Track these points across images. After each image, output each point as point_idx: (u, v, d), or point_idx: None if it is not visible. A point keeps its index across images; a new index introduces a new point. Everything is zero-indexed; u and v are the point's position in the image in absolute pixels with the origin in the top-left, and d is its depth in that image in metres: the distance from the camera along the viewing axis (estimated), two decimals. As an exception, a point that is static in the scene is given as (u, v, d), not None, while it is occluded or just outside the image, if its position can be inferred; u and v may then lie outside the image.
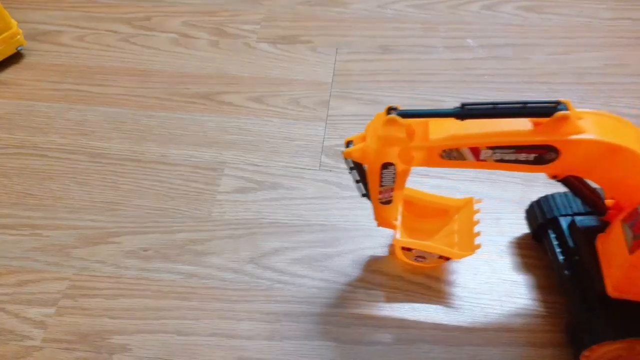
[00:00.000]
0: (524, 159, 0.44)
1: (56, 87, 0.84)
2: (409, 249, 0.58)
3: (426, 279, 0.61)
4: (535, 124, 0.43)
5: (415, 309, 0.59)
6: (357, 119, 0.78)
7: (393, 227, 0.58)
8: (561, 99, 0.42)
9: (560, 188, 0.53)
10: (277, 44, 0.89)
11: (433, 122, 0.46)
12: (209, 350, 0.56)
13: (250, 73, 0.85)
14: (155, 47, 0.89)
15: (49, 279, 0.62)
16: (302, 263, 0.63)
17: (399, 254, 0.60)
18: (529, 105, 0.42)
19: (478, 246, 0.57)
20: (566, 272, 0.54)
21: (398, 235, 0.57)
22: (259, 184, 0.71)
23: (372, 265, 0.62)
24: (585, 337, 0.50)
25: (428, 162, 0.47)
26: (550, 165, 0.44)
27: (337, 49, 0.88)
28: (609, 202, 0.52)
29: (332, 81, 0.83)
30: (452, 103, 0.80)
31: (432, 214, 0.62)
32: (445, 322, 0.58)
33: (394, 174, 0.49)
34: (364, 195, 0.55)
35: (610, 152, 0.42)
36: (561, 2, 0.95)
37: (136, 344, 0.57)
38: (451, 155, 0.45)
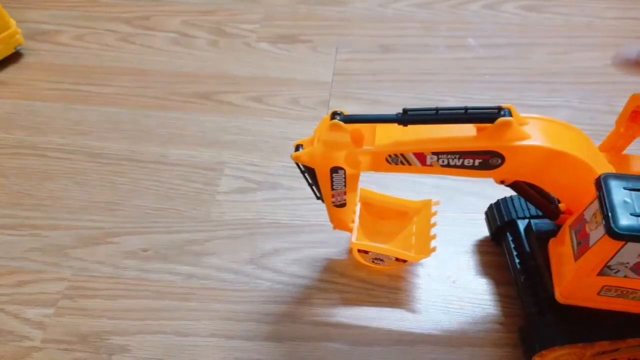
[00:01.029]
0: (469, 164, 0.44)
1: (55, 87, 0.83)
2: (365, 252, 0.58)
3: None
4: (479, 130, 0.43)
5: (416, 309, 0.59)
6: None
7: (349, 229, 0.58)
8: (505, 104, 0.42)
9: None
10: (276, 44, 0.89)
11: (380, 127, 0.46)
12: (208, 350, 0.56)
13: (249, 73, 0.85)
14: (154, 47, 0.89)
15: (48, 280, 0.62)
16: (301, 263, 0.63)
17: (357, 256, 0.60)
18: (470, 111, 0.42)
19: (433, 249, 0.56)
20: (521, 275, 0.54)
21: (354, 238, 0.57)
22: (258, 184, 0.71)
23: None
24: (536, 342, 0.50)
25: (375, 167, 0.47)
26: (496, 170, 0.44)
27: (337, 48, 0.88)
28: (563, 206, 0.51)
29: (332, 81, 0.83)
30: (452, 102, 0.80)
31: (391, 216, 0.62)
32: (447, 323, 0.58)
33: (343, 177, 0.49)
34: (318, 198, 0.54)
35: (554, 158, 0.42)
36: (562, 1, 0.95)
37: (135, 345, 0.57)
38: (397, 160, 0.45)
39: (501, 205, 0.60)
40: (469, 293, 0.60)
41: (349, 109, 0.79)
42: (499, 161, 0.43)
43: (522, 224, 0.56)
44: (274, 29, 0.91)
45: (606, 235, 0.38)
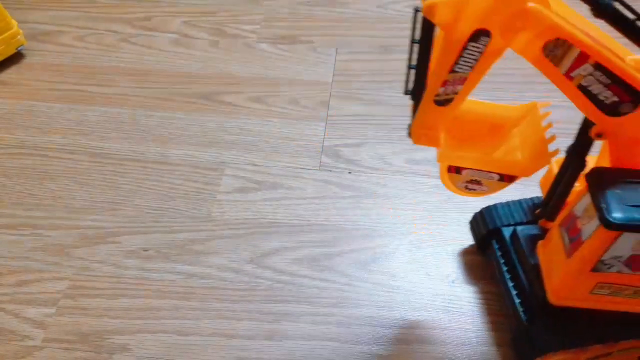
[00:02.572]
0: (603, 98, 0.38)
1: (56, 87, 0.84)
2: (458, 172, 0.45)
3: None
4: (636, 63, 0.37)
5: (416, 308, 0.59)
6: (357, 119, 0.78)
7: (437, 142, 0.43)
8: None
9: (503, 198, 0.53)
10: (277, 44, 0.89)
11: (555, 2, 0.36)
12: (208, 350, 0.56)
13: (250, 73, 0.85)
14: (155, 47, 0.89)
15: (49, 279, 0.62)
16: (302, 263, 0.63)
17: (445, 179, 0.46)
18: None
19: (553, 153, 0.44)
20: (509, 283, 0.54)
21: (444, 148, 0.44)
22: (259, 184, 0.71)
23: (372, 265, 0.62)
24: (528, 350, 0.50)
25: (526, 48, 0.36)
26: (614, 119, 0.38)
27: (337, 48, 0.88)
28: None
29: (332, 81, 0.83)
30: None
31: (480, 134, 0.47)
32: (447, 322, 0.58)
33: (480, 52, 0.36)
34: (409, 92, 0.41)
35: None
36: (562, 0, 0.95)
37: (136, 344, 0.57)
38: (555, 52, 0.36)
39: (485, 214, 0.59)
40: (469, 292, 0.60)
41: (349, 110, 0.79)
42: (629, 109, 0.37)
43: (507, 232, 0.56)
44: (274, 30, 0.92)
45: (601, 227, 0.39)
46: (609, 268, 0.42)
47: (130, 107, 0.81)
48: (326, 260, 0.63)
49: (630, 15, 0.35)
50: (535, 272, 0.49)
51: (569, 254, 0.44)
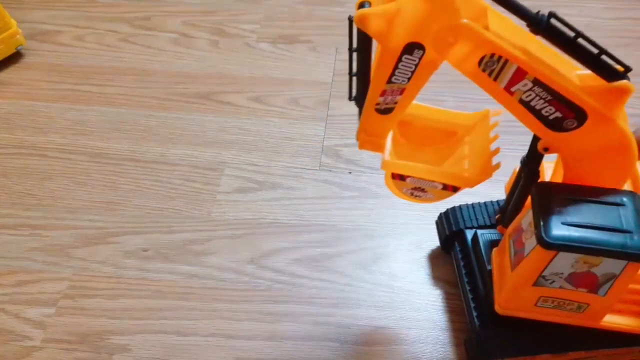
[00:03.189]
0: (546, 113, 0.37)
1: (56, 87, 0.83)
2: (402, 178, 0.45)
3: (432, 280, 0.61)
4: (582, 80, 0.36)
5: (416, 308, 0.59)
6: (357, 119, 0.78)
7: (381, 148, 0.44)
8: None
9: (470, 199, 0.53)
10: (277, 44, 0.89)
11: (493, 16, 0.36)
12: (208, 350, 0.56)
13: (250, 73, 0.85)
14: (155, 47, 0.89)
15: (48, 279, 0.62)
16: (301, 263, 0.63)
17: (390, 185, 0.47)
18: (604, 56, 0.35)
19: (496, 167, 0.44)
20: (466, 286, 0.54)
21: (387, 155, 0.44)
22: (258, 184, 0.71)
23: (372, 265, 0.62)
24: (477, 354, 0.50)
25: (461, 63, 0.36)
26: (559, 134, 0.38)
27: (337, 48, 0.88)
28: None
29: (332, 81, 0.83)
30: (452, 103, 0.80)
31: (435, 139, 0.48)
32: (447, 322, 0.58)
33: (415, 65, 0.36)
34: (353, 98, 0.42)
35: (624, 150, 0.38)
36: (561, 1, 0.95)
37: (136, 344, 0.57)
38: (492, 66, 0.36)
39: (450, 215, 0.58)
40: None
41: (349, 110, 0.79)
42: (574, 125, 0.37)
43: (469, 234, 0.55)
44: (274, 30, 0.92)
45: (538, 245, 0.38)
46: (550, 283, 0.41)
47: (130, 107, 0.80)
48: (326, 260, 0.63)
49: (568, 32, 0.35)
50: (490, 278, 0.49)
51: (513, 266, 0.43)
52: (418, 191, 0.46)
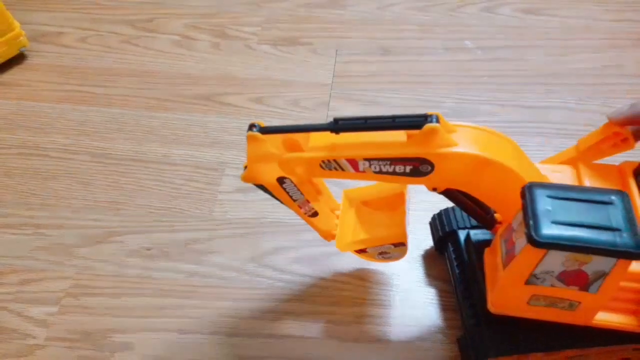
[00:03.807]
0: (400, 171, 0.43)
1: (59, 88, 0.84)
2: (363, 251, 0.56)
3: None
4: (409, 137, 0.42)
5: (415, 306, 0.60)
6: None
7: (333, 237, 0.55)
8: (432, 111, 0.42)
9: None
10: (277, 46, 0.90)
11: (313, 135, 0.46)
12: (210, 348, 0.57)
13: (251, 74, 0.86)
14: (157, 49, 0.90)
15: (51, 278, 0.62)
16: (302, 262, 0.63)
17: (363, 258, 0.57)
18: (397, 119, 0.41)
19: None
20: (460, 286, 0.54)
21: (336, 244, 0.54)
22: (260, 184, 0.71)
23: (372, 264, 0.63)
24: (471, 353, 0.50)
25: (311, 173, 0.46)
26: (427, 178, 0.43)
27: (337, 50, 0.89)
28: (499, 216, 0.50)
29: (332, 82, 0.84)
30: (451, 104, 0.81)
31: (392, 203, 0.56)
32: (447, 321, 0.58)
33: (294, 186, 0.48)
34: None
35: (481, 165, 0.41)
36: (559, 3, 0.96)
37: (138, 342, 0.57)
38: (331, 166, 0.45)
39: (443, 216, 0.59)
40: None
41: (349, 111, 0.80)
42: (429, 168, 0.42)
43: (462, 234, 0.56)
44: (275, 32, 0.92)
45: (528, 244, 0.38)
46: (542, 282, 0.41)
47: (132, 108, 0.81)
48: (326, 259, 0.64)
49: (358, 121, 0.42)
50: (482, 278, 0.49)
51: (505, 265, 0.44)
52: (384, 254, 0.56)
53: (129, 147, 0.76)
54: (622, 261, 0.38)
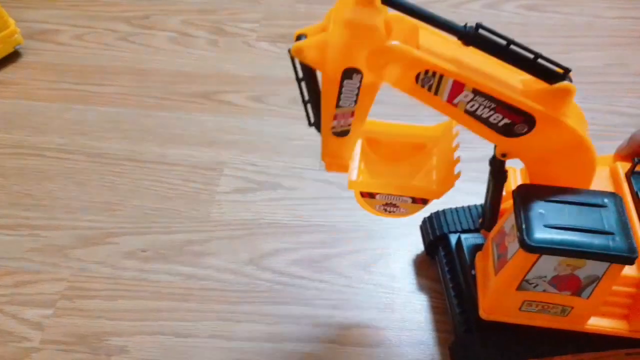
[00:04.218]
0: (494, 120, 0.38)
1: (54, 87, 0.83)
2: (371, 195, 0.46)
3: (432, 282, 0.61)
4: (526, 85, 0.37)
5: (417, 310, 0.59)
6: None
7: (346, 169, 0.46)
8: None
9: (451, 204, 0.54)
10: (276, 43, 0.89)
11: (424, 33, 0.38)
12: (207, 352, 0.56)
13: (249, 72, 0.84)
14: (154, 46, 0.89)
15: (46, 280, 0.62)
16: (301, 264, 0.62)
17: (360, 202, 0.48)
18: (541, 58, 0.36)
19: (457, 176, 0.44)
20: (451, 291, 0.53)
21: (354, 176, 0.45)
22: (258, 184, 0.70)
23: (372, 267, 0.62)
24: (461, 359, 0.50)
25: (399, 82, 0.38)
26: (512, 139, 0.38)
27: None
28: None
29: (332, 80, 0.83)
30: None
31: (406, 154, 0.49)
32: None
33: (357, 87, 0.38)
34: (311, 124, 0.43)
35: (576, 148, 0.38)
36: (562, 0, 0.95)
37: (134, 346, 0.56)
38: (429, 82, 0.37)
39: (434, 219, 0.58)
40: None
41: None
42: (525, 129, 0.37)
43: (453, 239, 0.55)
44: (273, 28, 0.91)
45: (521, 249, 0.38)
46: (534, 287, 0.41)
47: (129, 106, 0.80)
48: (326, 261, 0.63)
49: (499, 40, 0.36)
50: (474, 283, 0.48)
51: (497, 270, 0.43)
52: (390, 207, 0.47)
53: (125, 146, 0.75)
54: (615, 266, 0.38)
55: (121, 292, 0.61)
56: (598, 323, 0.44)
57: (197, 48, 0.88)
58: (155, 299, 0.60)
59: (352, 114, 0.40)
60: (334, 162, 0.45)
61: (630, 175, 0.46)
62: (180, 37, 0.90)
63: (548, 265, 0.39)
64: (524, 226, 0.38)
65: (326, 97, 0.39)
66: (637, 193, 0.44)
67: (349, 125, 0.41)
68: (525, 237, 0.37)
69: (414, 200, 0.46)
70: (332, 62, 0.36)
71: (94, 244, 0.65)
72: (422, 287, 0.60)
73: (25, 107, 0.80)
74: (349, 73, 0.37)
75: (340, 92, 0.38)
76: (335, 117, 0.40)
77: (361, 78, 0.37)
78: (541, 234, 0.37)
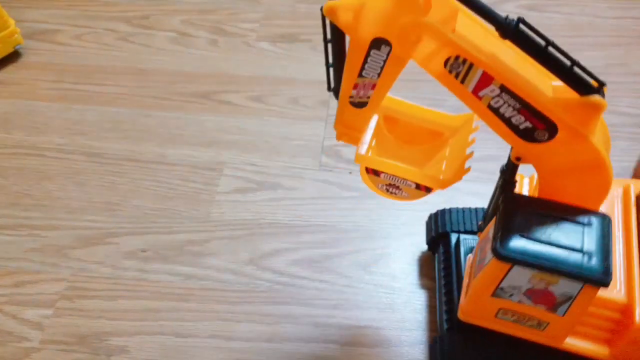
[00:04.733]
0: (516, 122, 0.37)
1: (54, 86, 0.83)
2: (377, 174, 0.45)
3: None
4: (556, 92, 0.36)
5: (417, 310, 0.59)
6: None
7: (357, 141, 0.45)
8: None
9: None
10: (276, 43, 0.89)
11: (463, 18, 0.36)
12: (207, 352, 0.56)
13: (249, 72, 0.84)
14: (154, 46, 0.89)
15: (46, 280, 0.62)
16: (301, 264, 0.62)
17: (364, 178, 0.46)
18: (577, 66, 0.34)
19: (466, 170, 0.43)
20: (442, 289, 0.53)
21: (363, 150, 0.44)
22: (258, 184, 0.70)
23: (372, 266, 0.62)
24: (437, 357, 0.50)
25: (427, 62, 0.37)
26: (530, 145, 0.37)
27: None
28: None
29: (332, 80, 0.83)
30: (454, 102, 0.79)
31: (422, 139, 0.48)
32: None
33: (384, 60, 0.37)
34: (331, 90, 0.42)
35: (594, 167, 0.37)
36: (563, 0, 0.95)
37: (134, 346, 0.56)
38: (458, 68, 0.36)
39: (439, 216, 0.58)
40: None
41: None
42: (545, 137, 0.36)
43: (454, 238, 0.55)
44: (273, 28, 0.91)
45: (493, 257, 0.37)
46: (510, 296, 0.40)
47: (128, 106, 0.80)
48: (326, 261, 0.63)
49: (538, 40, 0.35)
50: (460, 284, 0.48)
51: (475, 274, 0.43)
52: (393, 188, 0.46)
53: (125, 146, 0.75)
54: (588, 287, 0.37)
55: (121, 292, 0.60)
56: (577, 344, 0.43)
57: (197, 48, 0.88)
58: (155, 299, 0.60)
59: (374, 86, 0.39)
60: (345, 132, 0.44)
61: None
62: (180, 37, 0.90)
63: (522, 277, 0.38)
64: (499, 234, 0.37)
65: (350, 63, 0.38)
66: None
67: (368, 97, 0.40)
68: (498, 245, 0.37)
69: (418, 187, 0.45)
70: (364, 28, 0.35)
71: (94, 244, 0.65)
72: (422, 287, 0.60)
73: (25, 107, 0.80)
74: (378, 43, 0.36)
75: (365, 62, 0.37)
76: (355, 86, 0.39)
77: (389, 51, 0.36)
78: (515, 244, 0.37)
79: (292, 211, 0.67)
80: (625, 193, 0.45)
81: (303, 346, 0.56)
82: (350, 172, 0.71)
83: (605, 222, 0.38)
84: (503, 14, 0.36)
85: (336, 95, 0.42)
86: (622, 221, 0.43)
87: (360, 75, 0.38)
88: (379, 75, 0.38)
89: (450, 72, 0.36)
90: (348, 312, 0.59)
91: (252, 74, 0.84)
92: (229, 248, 0.64)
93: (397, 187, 0.46)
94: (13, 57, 0.86)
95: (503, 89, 0.36)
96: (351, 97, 0.40)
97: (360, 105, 0.41)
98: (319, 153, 0.73)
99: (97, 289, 0.61)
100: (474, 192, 0.67)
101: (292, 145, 0.74)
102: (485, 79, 0.36)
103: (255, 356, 0.56)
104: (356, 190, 0.69)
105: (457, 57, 0.35)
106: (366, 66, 0.37)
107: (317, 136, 0.75)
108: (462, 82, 0.36)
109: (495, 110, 0.37)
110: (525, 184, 0.48)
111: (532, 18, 0.98)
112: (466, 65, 0.35)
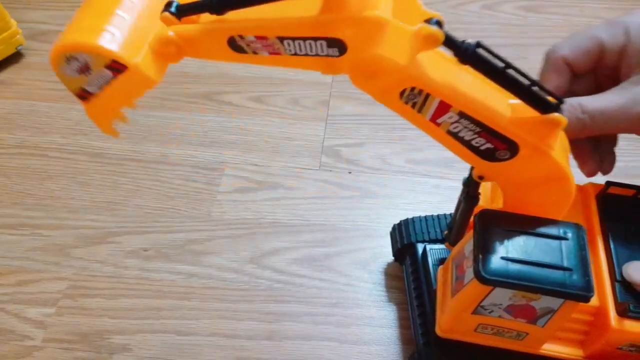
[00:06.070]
0: (476, 144, 0.36)
1: (56, 87, 0.83)
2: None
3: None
4: (514, 110, 0.35)
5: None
6: (357, 119, 0.78)
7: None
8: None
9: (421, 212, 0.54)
10: (277, 44, 0.89)
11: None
12: (208, 350, 0.56)
13: (250, 73, 0.85)
14: (155, 47, 0.89)
15: (49, 279, 0.62)
16: (302, 263, 0.63)
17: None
18: (535, 86, 0.34)
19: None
20: (414, 302, 0.53)
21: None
22: (259, 184, 0.71)
23: (372, 265, 0.62)
24: None
25: (382, 96, 0.36)
26: (493, 164, 0.37)
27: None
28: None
29: (332, 81, 0.83)
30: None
31: None
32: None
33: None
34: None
35: (556, 181, 0.38)
36: (561, 1, 0.95)
37: (136, 344, 0.57)
38: (414, 99, 0.35)
39: (402, 227, 0.58)
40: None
41: (350, 110, 0.79)
42: (507, 156, 0.36)
43: (420, 248, 0.54)
44: (274, 30, 0.92)
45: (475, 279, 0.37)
46: (489, 312, 0.41)
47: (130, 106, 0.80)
48: (326, 260, 0.63)
49: (497, 62, 0.34)
50: (434, 298, 0.48)
51: (453, 292, 0.43)
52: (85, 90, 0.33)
53: (126, 146, 0.75)
54: (569, 301, 0.38)
55: (123, 291, 0.61)
56: (553, 348, 0.43)
57: (198, 49, 0.89)
58: (157, 298, 0.60)
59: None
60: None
61: (601, 196, 0.45)
62: (181, 38, 0.90)
63: (503, 295, 0.38)
64: (480, 256, 0.37)
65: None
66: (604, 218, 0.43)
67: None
68: (481, 269, 0.37)
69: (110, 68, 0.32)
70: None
71: (96, 243, 0.65)
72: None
73: (27, 107, 0.81)
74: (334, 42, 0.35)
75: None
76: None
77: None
78: (497, 266, 0.37)
79: (292, 210, 0.68)
80: (586, 194, 0.46)
81: (303, 344, 0.57)
82: (349, 172, 0.72)
83: (581, 233, 0.39)
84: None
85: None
86: (585, 223, 0.43)
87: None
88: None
89: (406, 103, 0.36)
90: (348, 310, 0.59)
91: (253, 74, 0.85)
92: (229, 247, 0.64)
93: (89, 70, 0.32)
94: (15, 58, 0.87)
95: (462, 115, 0.35)
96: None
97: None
98: (319, 153, 0.74)
99: (99, 287, 0.61)
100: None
101: (292, 146, 0.75)
102: (443, 107, 0.35)
103: (256, 354, 0.56)
104: (356, 190, 0.70)
105: (412, 89, 0.35)
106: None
107: (317, 136, 0.76)
108: (420, 111, 0.36)
109: (455, 135, 0.36)
110: (487, 189, 0.47)
111: (530, 19, 0.99)
112: (423, 95, 0.35)
